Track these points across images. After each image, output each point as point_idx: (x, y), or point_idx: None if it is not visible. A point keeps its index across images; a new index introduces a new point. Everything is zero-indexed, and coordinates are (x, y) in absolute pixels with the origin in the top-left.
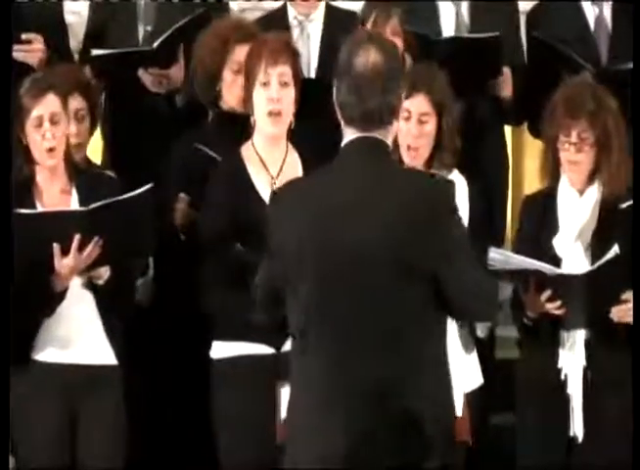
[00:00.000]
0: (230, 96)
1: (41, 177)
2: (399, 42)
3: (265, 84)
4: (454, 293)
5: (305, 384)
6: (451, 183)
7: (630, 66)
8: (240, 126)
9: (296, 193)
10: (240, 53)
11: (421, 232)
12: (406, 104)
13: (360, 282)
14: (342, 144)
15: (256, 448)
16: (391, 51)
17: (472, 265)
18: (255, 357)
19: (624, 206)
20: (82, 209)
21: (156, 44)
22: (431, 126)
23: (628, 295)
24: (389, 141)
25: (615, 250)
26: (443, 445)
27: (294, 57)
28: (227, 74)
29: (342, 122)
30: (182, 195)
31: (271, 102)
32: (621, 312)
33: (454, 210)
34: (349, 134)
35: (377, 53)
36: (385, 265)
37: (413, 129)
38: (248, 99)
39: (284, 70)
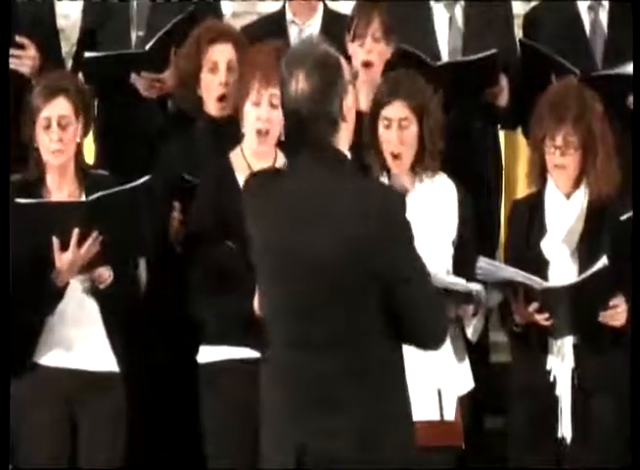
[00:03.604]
0: (210, 98)
1: (50, 179)
2: (383, 48)
3: (256, 103)
4: (403, 310)
5: (263, 380)
6: (401, 195)
7: (618, 71)
8: (228, 132)
9: (265, 191)
10: (213, 53)
11: (369, 244)
12: (385, 112)
13: (310, 291)
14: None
15: (244, 452)
16: (322, 65)
17: (424, 287)
18: (241, 362)
19: (624, 218)
20: (82, 200)
21: (148, 46)
22: (411, 131)
23: (617, 300)
24: (341, 144)
25: (603, 261)
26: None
27: None
28: (204, 76)
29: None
30: (176, 203)
31: (260, 121)
32: (608, 317)
33: (403, 221)
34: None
35: (305, 77)
36: (332, 275)
37: (394, 136)
38: (239, 110)
39: (276, 92)
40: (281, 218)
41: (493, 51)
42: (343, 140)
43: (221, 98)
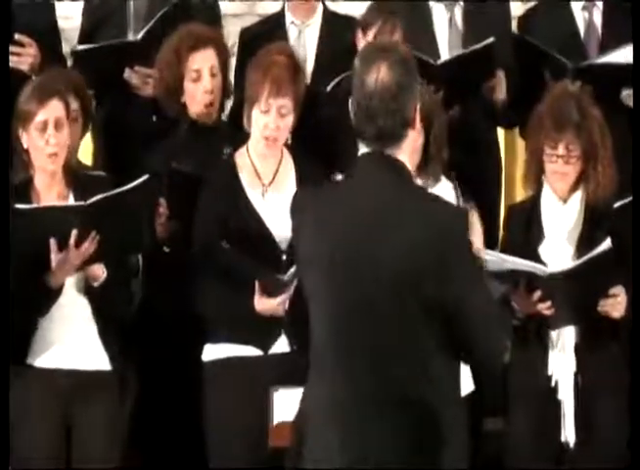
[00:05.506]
0: (194, 105)
1: (39, 181)
2: None
3: (265, 111)
4: (463, 326)
5: (315, 394)
6: (464, 213)
7: (609, 59)
8: (212, 136)
9: (316, 203)
10: (194, 61)
11: (430, 259)
12: None
13: (369, 301)
14: (358, 157)
15: (247, 450)
16: (403, 61)
17: (484, 300)
18: (244, 359)
19: (619, 204)
20: (81, 203)
21: (140, 36)
22: (419, 142)
23: (616, 289)
24: (403, 154)
25: (607, 243)
26: (455, 455)
27: (297, 85)
28: (187, 85)
29: (357, 136)
30: (161, 200)
31: (268, 129)
32: (608, 306)
33: (465, 239)
34: (362, 148)
35: (387, 69)
36: (392, 286)
37: None
38: (247, 115)
39: (285, 103)
40: (347, 229)
41: (490, 40)
42: (406, 151)
43: (207, 105)
